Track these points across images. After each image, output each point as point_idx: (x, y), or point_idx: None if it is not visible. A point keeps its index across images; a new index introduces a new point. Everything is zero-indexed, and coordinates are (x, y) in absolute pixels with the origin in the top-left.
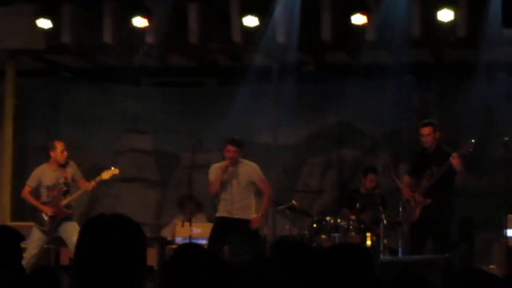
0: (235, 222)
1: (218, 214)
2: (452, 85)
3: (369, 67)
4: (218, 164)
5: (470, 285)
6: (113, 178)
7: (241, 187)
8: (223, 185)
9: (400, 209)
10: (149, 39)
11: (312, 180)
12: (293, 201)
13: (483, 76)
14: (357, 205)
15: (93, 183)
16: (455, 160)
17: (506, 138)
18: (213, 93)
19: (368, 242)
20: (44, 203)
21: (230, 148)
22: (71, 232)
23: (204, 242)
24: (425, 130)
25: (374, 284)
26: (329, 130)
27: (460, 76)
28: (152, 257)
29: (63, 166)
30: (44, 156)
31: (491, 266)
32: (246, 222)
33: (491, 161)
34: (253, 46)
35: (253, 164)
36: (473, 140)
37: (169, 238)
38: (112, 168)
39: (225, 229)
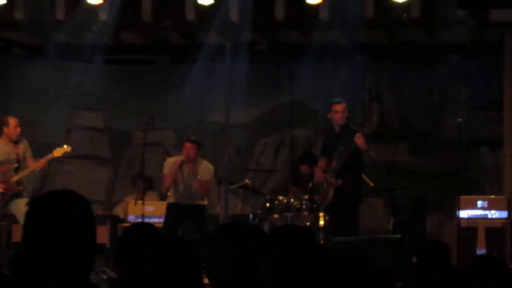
0: (185, 207)
1: (169, 200)
2: (404, 66)
3: (322, 47)
4: (173, 159)
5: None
6: (65, 156)
7: (193, 182)
8: (177, 181)
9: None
10: (102, 16)
11: (265, 160)
12: (246, 180)
13: (436, 57)
14: (310, 184)
15: (42, 161)
16: (359, 140)
17: (459, 119)
18: (166, 71)
19: (321, 222)
20: None
21: (187, 145)
22: (22, 208)
23: (156, 220)
24: (338, 107)
25: (320, 266)
26: (282, 110)
27: (413, 57)
28: (103, 235)
29: (15, 142)
30: None
31: None
32: (197, 206)
33: (443, 143)
34: (206, 24)
35: (211, 167)
36: (374, 119)
37: (121, 216)
38: (64, 146)
39: (177, 213)
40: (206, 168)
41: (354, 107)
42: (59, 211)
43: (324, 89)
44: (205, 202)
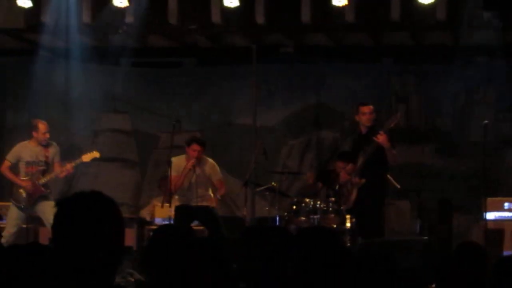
0: (194, 209)
1: (177, 203)
2: (431, 68)
3: (348, 49)
4: (179, 160)
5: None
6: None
7: (202, 183)
8: (187, 183)
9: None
10: (129, 19)
11: (291, 162)
12: (272, 183)
13: (462, 59)
14: (337, 186)
15: (69, 167)
16: (380, 138)
17: (485, 121)
18: (192, 74)
19: (348, 224)
20: (21, 180)
21: (196, 147)
22: (49, 211)
23: None
24: (367, 109)
25: (344, 266)
26: (308, 112)
27: (439, 59)
28: (130, 238)
29: (45, 145)
30: (21, 136)
31: None
32: (205, 208)
33: (470, 144)
34: (232, 27)
35: (213, 162)
36: (398, 113)
37: (148, 219)
38: (94, 151)
39: (186, 216)
40: (214, 166)
41: (381, 109)
42: (87, 212)
43: (350, 91)
44: (214, 204)
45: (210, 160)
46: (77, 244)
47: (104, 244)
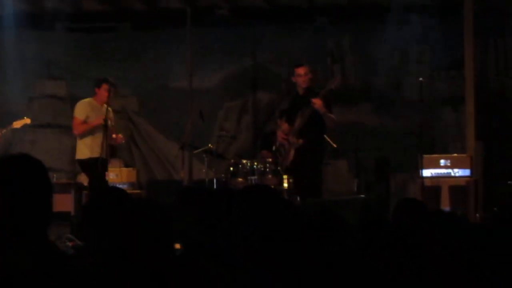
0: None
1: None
2: (365, 27)
3: (283, 10)
4: (86, 100)
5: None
6: (28, 124)
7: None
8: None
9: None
10: None
11: (228, 124)
12: (209, 145)
13: (396, 17)
14: (273, 147)
15: None
16: (316, 104)
17: (420, 79)
18: (127, 38)
19: (285, 185)
20: None
21: (105, 86)
22: None
23: (120, 187)
24: (302, 70)
25: (287, 224)
26: (244, 74)
27: (374, 18)
28: (68, 203)
29: None
30: None
31: None
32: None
33: (405, 103)
34: None
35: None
36: (338, 76)
37: (85, 184)
38: (24, 118)
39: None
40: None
41: (317, 69)
42: (13, 174)
43: (286, 53)
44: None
45: None
46: (2, 206)
47: (30, 206)
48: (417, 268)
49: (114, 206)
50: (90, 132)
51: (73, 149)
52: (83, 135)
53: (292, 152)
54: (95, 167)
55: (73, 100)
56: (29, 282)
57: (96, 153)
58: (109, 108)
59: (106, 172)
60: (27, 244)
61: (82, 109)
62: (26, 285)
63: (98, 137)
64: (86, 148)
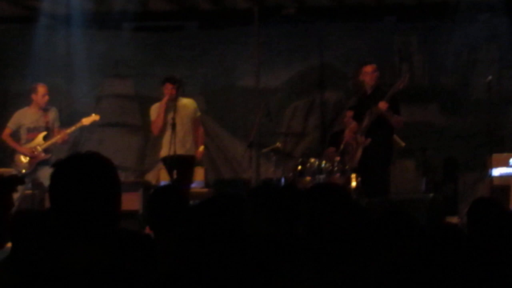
0: (178, 158)
1: (163, 154)
2: (433, 26)
3: (351, 8)
4: (158, 103)
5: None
6: (96, 123)
7: (183, 124)
8: (165, 124)
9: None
10: None
11: (295, 123)
12: (277, 144)
13: (464, 16)
14: (341, 146)
15: (66, 132)
16: (382, 107)
17: (489, 78)
18: (194, 37)
19: (353, 184)
20: (22, 146)
21: (168, 85)
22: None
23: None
24: (369, 68)
25: (354, 222)
26: (312, 73)
27: (442, 17)
28: (136, 202)
29: (44, 110)
30: (25, 102)
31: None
32: (189, 157)
33: (474, 102)
34: None
35: (191, 100)
36: (407, 75)
37: (153, 183)
38: (93, 115)
39: (171, 167)
40: (192, 105)
41: (384, 69)
42: (82, 172)
43: (353, 51)
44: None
45: (188, 98)
46: (71, 204)
47: (99, 205)
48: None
49: (173, 204)
50: (162, 130)
51: (140, 148)
52: (158, 135)
53: (359, 151)
54: (169, 165)
55: (140, 99)
56: (104, 277)
57: (165, 152)
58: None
59: (175, 170)
60: (99, 240)
61: (153, 111)
62: (101, 280)
63: (167, 135)
64: (163, 147)
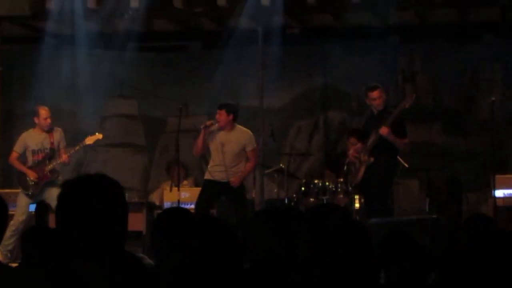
0: (223, 186)
1: (207, 177)
2: (437, 46)
3: (354, 29)
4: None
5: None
6: (100, 144)
7: (234, 153)
8: (214, 149)
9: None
10: (134, 3)
11: (299, 143)
12: (281, 164)
13: (468, 36)
14: (344, 167)
15: (71, 152)
16: (382, 131)
17: (492, 98)
18: (198, 57)
19: (356, 205)
20: (29, 168)
21: (218, 111)
22: (56, 196)
23: (192, 206)
24: (374, 94)
25: (361, 244)
26: (315, 93)
27: (446, 37)
28: (140, 222)
29: (48, 131)
30: (30, 122)
31: None
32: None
33: (477, 122)
34: (237, 9)
35: (248, 131)
36: (413, 95)
37: (157, 203)
38: (96, 133)
39: (213, 192)
40: (247, 136)
41: (388, 89)
42: (90, 193)
43: (357, 71)
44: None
45: (245, 129)
46: (79, 225)
47: (106, 226)
48: None
49: (181, 225)
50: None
51: (144, 168)
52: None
53: (362, 170)
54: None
55: (144, 119)
56: None
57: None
58: None
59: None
60: (108, 260)
61: None
62: None
63: None
64: None
